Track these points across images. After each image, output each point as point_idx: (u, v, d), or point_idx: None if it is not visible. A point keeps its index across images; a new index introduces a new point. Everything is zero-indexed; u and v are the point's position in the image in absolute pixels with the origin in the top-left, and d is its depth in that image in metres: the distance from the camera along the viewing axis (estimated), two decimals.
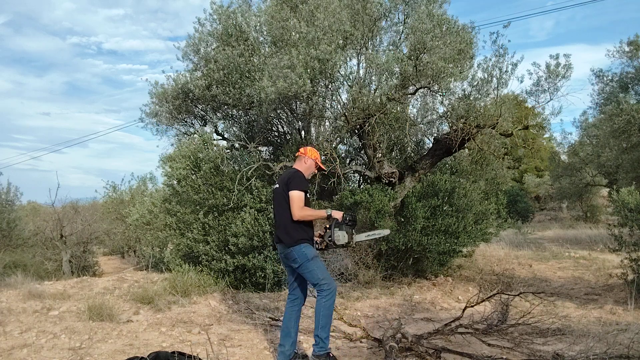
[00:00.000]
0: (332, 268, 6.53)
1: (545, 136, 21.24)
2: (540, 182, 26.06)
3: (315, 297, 3.44)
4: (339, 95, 6.67)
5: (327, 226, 3.57)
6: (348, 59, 6.53)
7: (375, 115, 6.14)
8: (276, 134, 8.10)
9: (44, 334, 4.09)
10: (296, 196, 3.37)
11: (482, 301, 4.38)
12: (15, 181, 30.03)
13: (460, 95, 6.35)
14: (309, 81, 5.67)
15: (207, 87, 6.98)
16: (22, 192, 13.21)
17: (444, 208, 6.71)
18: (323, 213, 3.52)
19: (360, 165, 7.68)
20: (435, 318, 5.14)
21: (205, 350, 3.59)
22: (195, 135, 7.82)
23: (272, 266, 6.09)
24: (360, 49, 6.41)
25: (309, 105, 6.73)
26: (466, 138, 6.30)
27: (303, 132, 7.63)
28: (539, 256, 10.17)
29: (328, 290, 3.35)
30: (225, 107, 7.63)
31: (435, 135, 7.45)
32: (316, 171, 3.82)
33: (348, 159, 8.09)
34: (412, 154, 7.77)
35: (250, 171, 6.29)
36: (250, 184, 6.37)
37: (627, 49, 12.15)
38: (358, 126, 6.51)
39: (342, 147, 8.20)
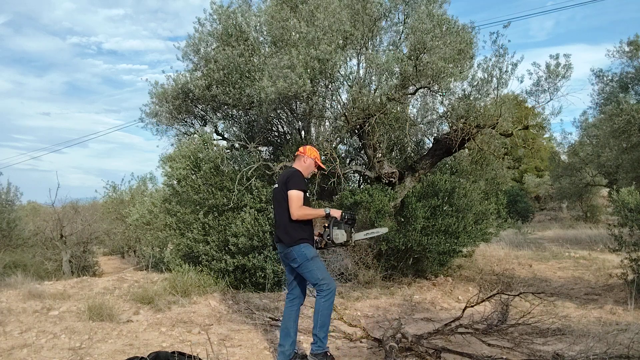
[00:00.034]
0: (332, 268, 6.53)
1: (545, 136, 21.28)
2: (540, 182, 26.07)
3: (315, 297, 3.44)
4: (339, 95, 6.67)
5: (326, 225, 3.57)
6: (348, 59, 6.53)
7: (375, 115, 6.14)
8: (276, 134, 8.10)
9: (44, 334, 4.09)
10: (295, 195, 3.37)
11: (482, 301, 4.38)
12: (15, 181, 30.08)
13: (460, 95, 6.36)
14: (309, 81, 5.67)
15: (207, 87, 6.98)
16: (22, 192, 13.24)
17: (444, 208, 6.71)
18: (322, 212, 3.52)
19: (360, 165, 7.68)
20: (435, 318, 5.14)
21: (205, 350, 3.59)
22: (195, 135, 7.83)
23: (272, 266, 6.09)
24: (360, 49, 6.41)
25: (309, 105, 6.73)
26: (466, 138, 6.31)
27: (303, 132, 7.63)
28: (539, 256, 10.17)
29: (328, 291, 3.35)
30: (225, 107, 7.63)
31: (435, 135, 7.45)
32: (316, 170, 3.81)
33: (348, 159, 8.10)
34: (412, 154, 7.78)
35: (250, 171, 6.29)
36: (250, 184, 6.37)
37: (627, 49, 12.15)
38: (358, 126, 6.51)
39: (342, 147, 8.20)
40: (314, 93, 6.25)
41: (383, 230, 4.08)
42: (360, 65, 6.61)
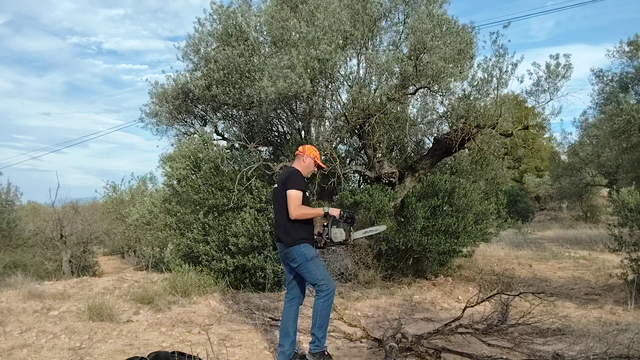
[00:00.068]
0: (332, 268, 6.53)
1: (545, 136, 21.29)
2: (540, 182, 26.07)
3: (314, 297, 3.44)
4: (339, 95, 6.67)
5: (325, 224, 3.56)
6: (348, 59, 6.53)
7: (375, 115, 6.14)
8: (276, 134, 8.10)
9: (44, 334, 4.09)
10: (293, 195, 3.37)
11: (482, 301, 4.38)
12: (15, 181, 30.06)
13: (460, 95, 6.36)
14: (309, 81, 5.67)
15: (207, 87, 6.98)
16: (22, 192, 13.24)
17: (444, 208, 6.71)
18: (320, 211, 3.52)
19: (360, 165, 7.68)
20: (435, 318, 5.14)
21: (205, 350, 3.59)
22: (195, 135, 7.83)
23: (272, 266, 6.09)
24: (360, 49, 6.41)
25: (309, 105, 6.73)
26: (466, 138, 6.30)
27: (303, 132, 7.63)
28: (539, 256, 10.17)
29: (327, 291, 3.34)
30: (225, 107, 7.63)
31: (435, 135, 7.45)
32: (316, 170, 3.81)
33: (348, 159, 8.10)
34: (412, 154, 7.77)
35: (250, 171, 6.29)
36: (250, 184, 6.38)
37: (627, 49, 12.15)
38: (358, 126, 6.51)
39: (342, 147, 8.20)
40: (314, 93, 6.25)
41: (381, 228, 4.09)
42: (360, 65, 6.61)
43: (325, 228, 3.54)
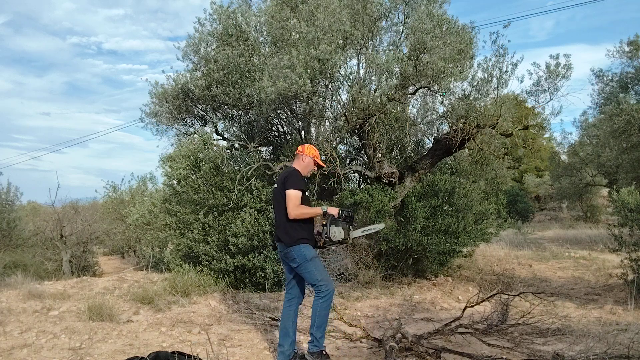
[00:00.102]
0: (332, 268, 6.52)
1: (545, 136, 21.30)
2: (540, 182, 26.07)
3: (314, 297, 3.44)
4: (339, 95, 6.67)
5: (324, 223, 3.56)
6: (348, 59, 6.53)
7: (375, 115, 6.14)
8: (276, 134, 8.10)
9: (44, 334, 4.09)
10: (292, 195, 3.37)
11: (482, 301, 4.38)
12: (15, 181, 30.06)
13: (460, 95, 6.36)
14: (309, 81, 5.67)
15: (207, 87, 6.98)
16: (22, 192, 13.24)
17: (444, 208, 6.71)
18: (319, 210, 3.51)
19: (360, 165, 7.68)
20: (435, 318, 5.14)
21: (205, 350, 3.59)
22: (195, 135, 7.82)
23: (272, 266, 6.09)
24: (360, 49, 6.41)
25: (309, 105, 6.73)
26: (466, 138, 6.30)
27: (303, 132, 7.63)
28: (539, 256, 10.17)
29: (326, 292, 3.34)
30: (225, 107, 7.63)
31: (435, 135, 7.45)
32: (315, 169, 3.80)
33: (348, 159, 8.10)
34: (412, 154, 7.77)
35: (250, 171, 6.29)
36: (250, 184, 6.38)
37: (627, 49, 12.15)
38: (358, 126, 6.51)
39: (342, 147, 8.20)
40: (314, 93, 6.25)
41: (380, 226, 4.09)
42: (360, 65, 6.61)
43: (324, 227, 3.53)
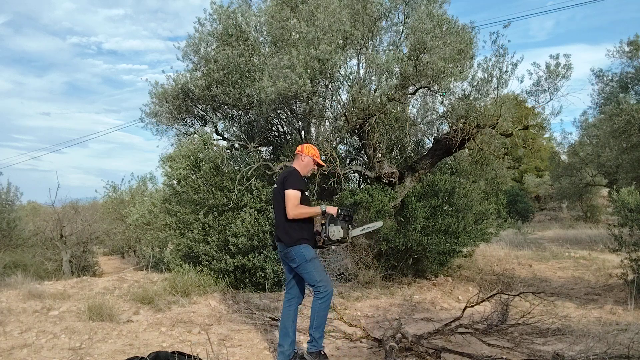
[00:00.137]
0: (332, 268, 6.52)
1: (545, 136, 21.32)
2: (540, 182, 26.07)
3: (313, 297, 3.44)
4: (339, 95, 6.67)
5: (323, 222, 3.56)
6: (348, 59, 6.53)
7: (375, 115, 6.14)
8: (276, 134, 8.10)
9: (44, 334, 4.09)
10: (291, 195, 3.36)
11: (482, 301, 4.38)
12: (15, 181, 30.05)
13: (460, 95, 6.36)
14: (309, 81, 5.67)
15: (207, 87, 6.98)
16: (22, 192, 13.24)
17: (444, 208, 6.71)
18: (318, 210, 3.50)
19: (360, 165, 7.68)
20: (435, 318, 5.14)
21: (205, 350, 3.59)
22: (195, 135, 7.82)
23: (272, 266, 6.09)
24: (360, 49, 6.41)
25: (309, 105, 6.73)
26: (466, 138, 6.30)
27: (303, 132, 7.63)
28: (539, 256, 10.17)
29: (324, 293, 3.34)
30: (225, 107, 7.63)
31: (435, 135, 7.45)
32: (315, 168, 3.80)
33: (348, 159, 8.10)
34: (412, 154, 7.78)
35: (250, 171, 6.29)
36: (250, 184, 6.38)
37: (627, 49, 12.15)
38: (358, 126, 6.51)
39: (342, 147, 8.20)
40: (314, 93, 6.25)
41: (378, 224, 4.09)
42: (360, 65, 6.61)
43: (323, 226, 3.53)
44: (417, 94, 6.79)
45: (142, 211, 9.71)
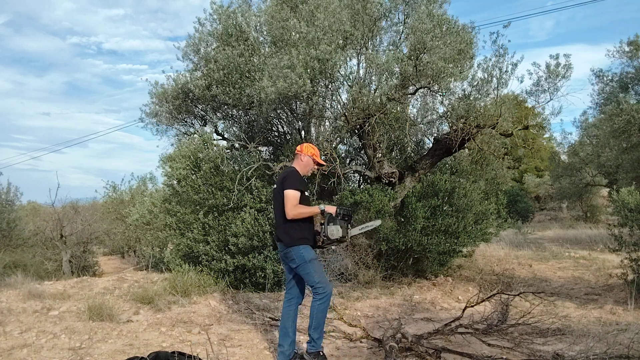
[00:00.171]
0: (332, 268, 6.53)
1: (545, 136, 21.32)
2: (540, 182, 26.07)
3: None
4: (339, 95, 6.67)
5: (322, 222, 3.55)
6: (348, 59, 6.53)
7: (375, 115, 6.14)
8: (276, 134, 8.10)
9: (44, 334, 4.09)
10: (290, 195, 3.36)
11: (482, 301, 4.38)
12: (15, 181, 30.04)
13: (460, 95, 6.36)
14: (309, 81, 5.67)
15: (207, 87, 6.98)
16: (22, 192, 13.24)
17: (444, 208, 6.71)
18: (317, 209, 3.49)
19: (360, 165, 7.68)
20: (435, 318, 5.14)
21: (205, 350, 3.59)
22: (195, 135, 7.82)
23: (272, 266, 6.09)
24: (360, 49, 6.41)
25: (309, 105, 6.73)
26: (466, 138, 6.30)
27: (303, 132, 7.63)
28: (539, 256, 10.17)
29: (323, 294, 3.34)
30: (225, 107, 7.63)
31: (435, 135, 7.45)
32: (315, 168, 3.79)
33: (348, 159, 8.10)
34: (412, 154, 7.77)
35: (250, 171, 6.29)
36: (250, 184, 6.38)
37: (627, 49, 12.15)
38: (358, 126, 6.51)
39: (342, 147, 8.20)
40: (314, 93, 6.25)
41: (377, 222, 4.09)
42: (360, 65, 6.61)
43: (322, 226, 3.53)
44: (417, 94, 6.79)
45: (142, 211, 9.71)
